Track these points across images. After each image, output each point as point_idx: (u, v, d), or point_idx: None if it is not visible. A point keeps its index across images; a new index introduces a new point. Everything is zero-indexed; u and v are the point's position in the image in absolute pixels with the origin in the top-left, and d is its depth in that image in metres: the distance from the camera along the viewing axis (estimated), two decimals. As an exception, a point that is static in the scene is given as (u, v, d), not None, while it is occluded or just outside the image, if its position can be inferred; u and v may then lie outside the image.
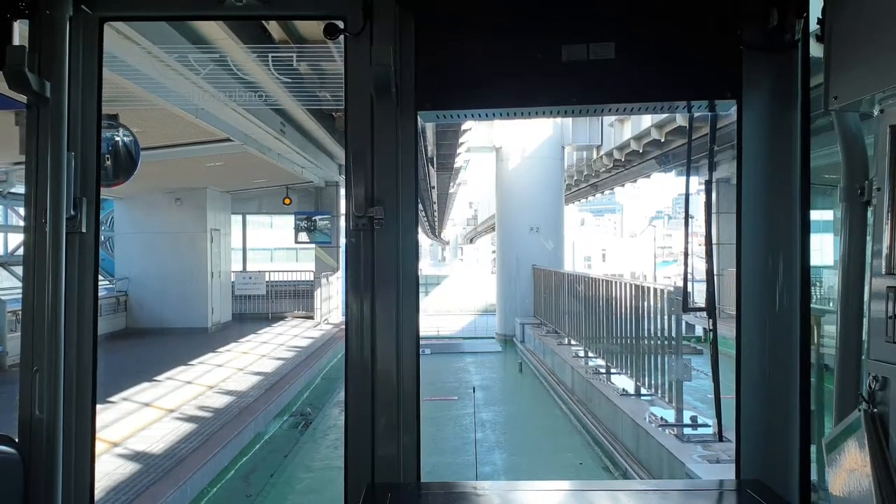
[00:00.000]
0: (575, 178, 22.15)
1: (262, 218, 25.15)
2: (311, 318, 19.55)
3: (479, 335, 23.84)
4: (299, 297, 20.20)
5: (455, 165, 19.62)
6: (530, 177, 18.23)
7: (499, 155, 18.75)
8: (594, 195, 29.51)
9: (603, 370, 10.39)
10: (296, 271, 20.91)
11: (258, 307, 19.88)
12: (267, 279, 20.01)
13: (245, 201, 20.12)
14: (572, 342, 13.12)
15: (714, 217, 17.70)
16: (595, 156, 19.21)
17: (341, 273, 20.30)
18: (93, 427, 2.21)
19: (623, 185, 24.41)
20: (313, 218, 19.73)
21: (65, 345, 2.12)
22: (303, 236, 19.59)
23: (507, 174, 18.69)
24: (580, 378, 10.62)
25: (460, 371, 15.25)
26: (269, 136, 11.85)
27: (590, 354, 11.60)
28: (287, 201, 18.65)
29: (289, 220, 19.60)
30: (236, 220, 21.16)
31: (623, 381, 9.69)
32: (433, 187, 25.70)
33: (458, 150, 17.15)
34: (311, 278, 20.16)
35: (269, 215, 22.30)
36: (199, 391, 10.30)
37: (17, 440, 2.07)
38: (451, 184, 25.52)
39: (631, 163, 17.69)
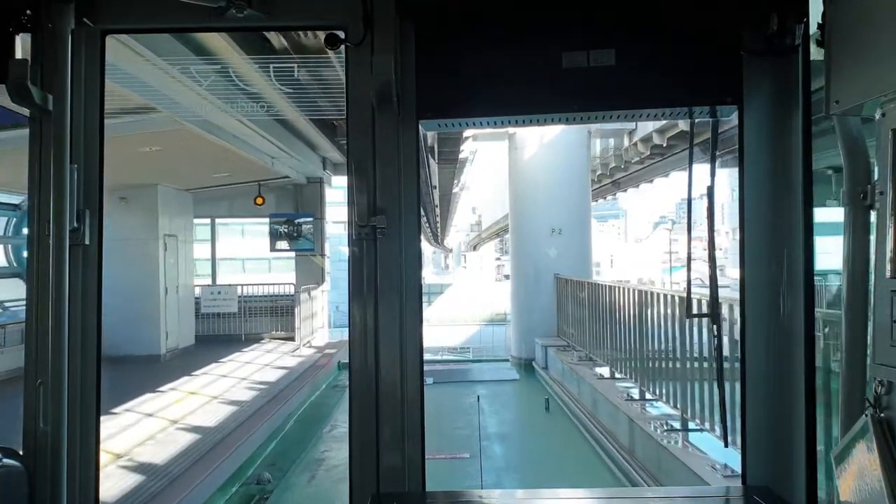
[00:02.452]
0: (598, 172, 19.06)
1: (260, 226, 22.06)
2: (293, 339, 16.49)
3: (486, 348, 21.22)
4: (279, 314, 17.09)
5: (461, 156, 16.61)
6: (551, 168, 15.15)
7: (512, 142, 15.69)
8: (614, 194, 26.48)
9: (676, 423, 7.36)
10: (275, 284, 17.81)
11: (230, 327, 16.80)
12: (240, 293, 16.91)
13: (213, 202, 17.08)
14: (617, 374, 10.06)
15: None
16: (627, 143, 16.12)
17: (327, 285, 17.24)
18: (97, 439, 2.23)
19: (651, 181, 21.31)
20: (296, 221, 16.71)
21: (68, 357, 2.12)
22: (281, 243, 16.57)
23: (523, 165, 15.62)
24: (644, 435, 7.53)
25: (470, 409, 12.13)
26: (213, 107, 8.84)
27: (648, 396, 8.54)
28: (259, 201, 15.56)
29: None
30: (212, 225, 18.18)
31: (710, 443, 6.67)
32: (435, 187, 22.90)
33: (465, 135, 14.16)
34: (292, 292, 17.07)
35: (245, 220, 19.23)
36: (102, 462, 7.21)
37: (21, 453, 2.07)
38: (456, 182, 22.55)
39: (673, 149, 14.61)
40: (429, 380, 14.00)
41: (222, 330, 16.68)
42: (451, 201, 30.31)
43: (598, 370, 11.03)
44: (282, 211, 16.82)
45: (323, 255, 16.80)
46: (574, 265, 14.79)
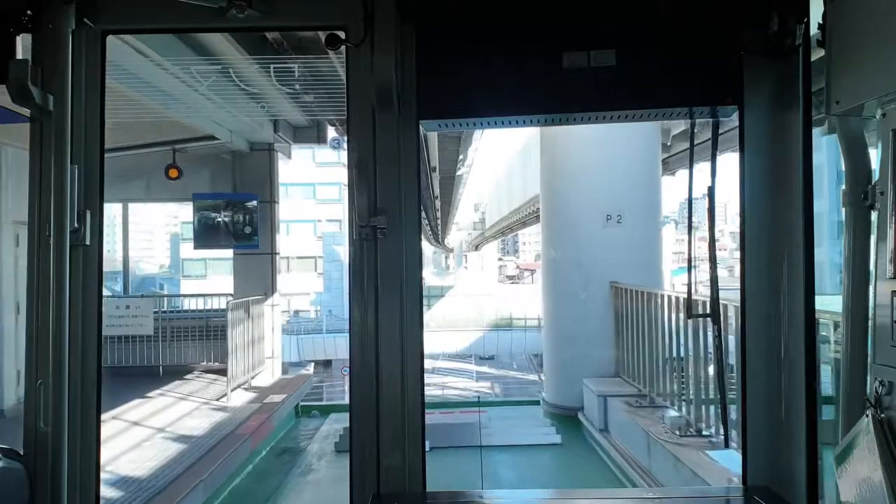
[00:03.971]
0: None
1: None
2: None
3: (488, 353, 16.83)
4: (215, 337, 12.16)
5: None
6: (605, 129, 10.26)
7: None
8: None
9: None
10: (209, 295, 12.80)
11: (144, 355, 11.84)
12: (158, 308, 11.93)
13: (124, 181, 12.12)
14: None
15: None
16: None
17: (279, 297, 12.29)
18: (97, 440, 2.23)
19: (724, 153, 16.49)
20: (247, 205, 11.81)
21: (69, 358, 2.14)
22: (218, 238, 11.67)
23: (561, 128, 10.72)
24: None
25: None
26: None
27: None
28: (173, 174, 10.60)
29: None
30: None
31: None
32: (434, 169, 18.27)
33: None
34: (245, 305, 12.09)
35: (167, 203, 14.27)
36: None
37: (21, 453, 2.08)
38: (461, 158, 17.75)
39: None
40: (427, 444, 9.01)
41: (132, 359, 11.73)
42: (454, 190, 25.74)
43: (723, 460, 6.15)
44: (218, 190, 11.91)
45: (273, 252, 11.85)
46: (638, 269, 9.92)
